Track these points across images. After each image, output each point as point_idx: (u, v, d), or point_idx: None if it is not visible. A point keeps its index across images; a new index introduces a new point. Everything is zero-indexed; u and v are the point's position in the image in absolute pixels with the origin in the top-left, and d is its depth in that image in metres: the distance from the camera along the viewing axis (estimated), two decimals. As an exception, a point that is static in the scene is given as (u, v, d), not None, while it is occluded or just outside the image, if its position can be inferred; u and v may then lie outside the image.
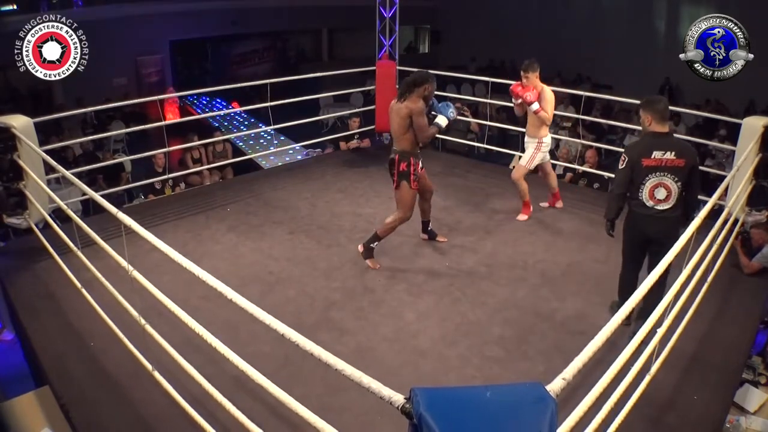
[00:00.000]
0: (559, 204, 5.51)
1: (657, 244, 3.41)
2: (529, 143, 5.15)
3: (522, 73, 4.94)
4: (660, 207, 3.33)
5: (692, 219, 2.99)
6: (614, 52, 14.08)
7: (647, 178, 3.31)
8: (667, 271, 2.50)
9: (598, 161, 7.55)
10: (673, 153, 3.26)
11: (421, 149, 4.24)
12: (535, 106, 4.90)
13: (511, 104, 5.38)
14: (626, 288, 3.55)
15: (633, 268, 3.57)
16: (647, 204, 3.35)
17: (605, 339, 1.85)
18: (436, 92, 4.29)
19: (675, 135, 3.48)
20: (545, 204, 5.52)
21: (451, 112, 4.27)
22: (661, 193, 3.31)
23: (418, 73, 4.14)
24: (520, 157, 7.75)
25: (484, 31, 16.37)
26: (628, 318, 3.22)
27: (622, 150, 3.62)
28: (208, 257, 4.49)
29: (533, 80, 4.93)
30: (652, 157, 3.27)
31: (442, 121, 4.22)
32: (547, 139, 5.12)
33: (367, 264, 4.35)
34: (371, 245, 4.36)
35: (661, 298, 2.49)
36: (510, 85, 5.19)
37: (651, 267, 3.38)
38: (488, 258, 4.54)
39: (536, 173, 5.50)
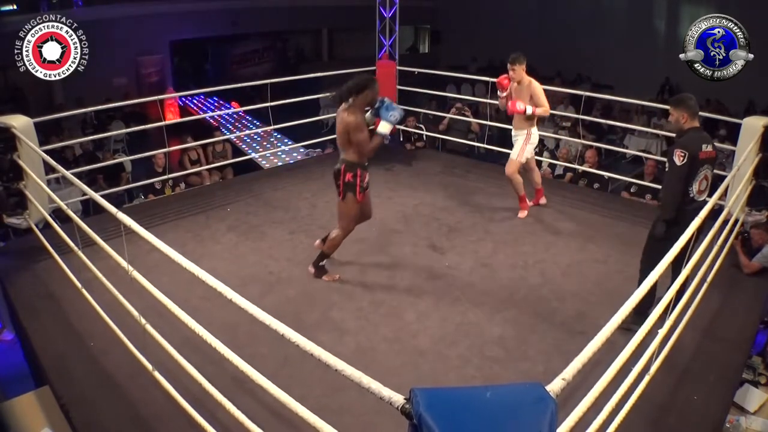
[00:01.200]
0: (543, 201, 5.50)
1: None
2: (518, 137, 5.13)
3: (509, 65, 4.95)
4: (701, 198, 3.44)
5: None
6: (614, 52, 14.07)
7: (699, 172, 3.40)
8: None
9: (598, 161, 7.54)
10: (710, 146, 3.43)
11: (368, 161, 3.96)
12: (529, 110, 4.89)
13: None
14: (653, 293, 3.32)
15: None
16: (696, 198, 3.42)
17: (605, 339, 1.85)
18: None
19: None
20: (530, 202, 5.47)
21: (392, 115, 3.84)
22: (703, 185, 3.46)
23: (358, 79, 3.80)
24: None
25: (484, 31, 16.35)
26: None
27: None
28: (208, 257, 4.49)
29: (519, 73, 4.93)
30: (703, 149, 3.39)
31: (384, 128, 3.85)
32: (535, 131, 5.09)
33: (324, 280, 4.15)
34: (321, 264, 4.16)
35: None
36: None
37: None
38: (488, 258, 4.53)
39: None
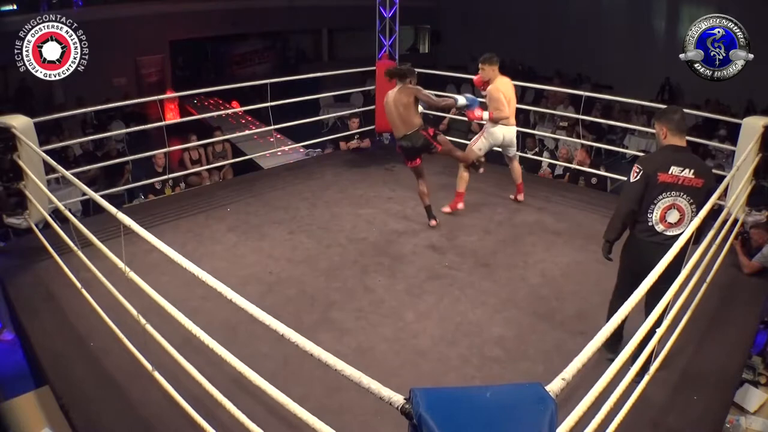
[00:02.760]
0: (520, 197, 5.61)
1: (663, 276, 2.82)
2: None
3: (480, 64, 5.13)
4: (670, 232, 2.93)
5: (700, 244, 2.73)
6: (614, 52, 14.07)
7: (660, 197, 2.92)
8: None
9: (589, 161, 7.61)
10: (692, 171, 2.88)
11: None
12: (486, 115, 5.07)
13: None
14: (615, 327, 3.21)
15: (621, 297, 2.75)
16: (656, 228, 2.96)
17: (605, 339, 1.85)
18: (436, 92, 4.40)
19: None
20: (512, 196, 5.65)
21: (472, 101, 4.93)
22: (673, 216, 2.93)
23: (407, 66, 4.94)
24: (520, 157, 7.81)
25: (484, 31, 16.35)
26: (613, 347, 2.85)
27: (634, 154, 3.18)
28: (208, 257, 4.49)
29: (488, 72, 5.10)
30: (670, 172, 2.89)
31: (461, 99, 4.91)
32: (499, 128, 5.15)
33: (481, 170, 5.17)
34: (476, 163, 5.11)
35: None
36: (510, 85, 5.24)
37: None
38: (488, 258, 4.53)
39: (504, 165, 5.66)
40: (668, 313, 2.77)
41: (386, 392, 1.56)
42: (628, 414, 2.45)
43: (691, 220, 2.88)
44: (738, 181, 4.23)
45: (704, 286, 3.47)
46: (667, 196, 2.92)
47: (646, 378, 2.69)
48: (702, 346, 3.42)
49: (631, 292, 2.59)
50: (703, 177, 2.91)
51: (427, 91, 4.80)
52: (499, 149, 5.40)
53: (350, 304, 3.90)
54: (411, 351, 3.42)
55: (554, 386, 1.56)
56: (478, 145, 5.24)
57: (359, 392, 1.69)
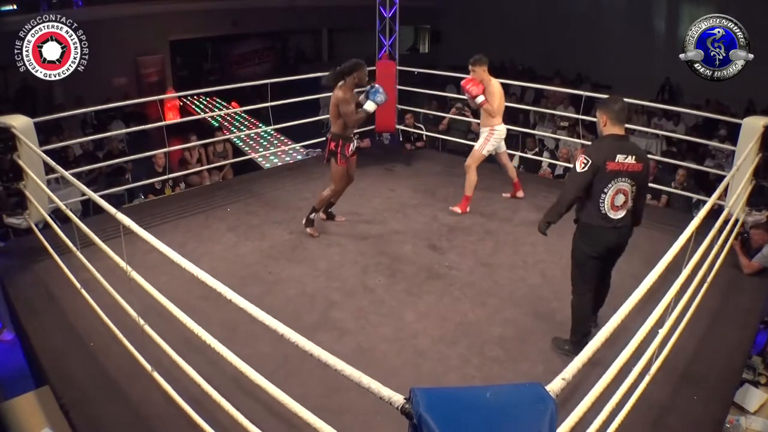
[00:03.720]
0: (520, 194, 5.67)
1: (615, 257, 3.32)
2: (482, 132, 5.31)
3: (470, 66, 5.14)
4: (618, 215, 3.13)
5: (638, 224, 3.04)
6: (614, 52, 14.07)
7: (610, 185, 3.08)
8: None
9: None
10: (634, 157, 3.08)
11: (355, 133, 4.76)
12: (480, 98, 5.08)
13: (511, 104, 5.42)
14: (589, 317, 3.35)
15: (591, 290, 3.31)
16: (609, 214, 3.12)
17: (605, 339, 1.85)
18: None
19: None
20: (507, 195, 5.69)
21: (378, 97, 4.56)
22: (619, 200, 3.11)
23: (349, 63, 4.49)
24: (520, 157, 7.82)
25: (484, 31, 16.35)
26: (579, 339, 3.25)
27: (582, 153, 3.15)
28: (208, 257, 4.49)
29: (480, 74, 5.11)
30: (617, 160, 3.05)
31: (369, 106, 4.57)
32: (501, 128, 5.24)
33: (307, 231, 4.82)
34: (310, 216, 4.85)
35: None
36: (510, 85, 5.24)
37: (604, 278, 3.43)
38: (488, 258, 4.53)
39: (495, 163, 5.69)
40: (670, 314, 2.77)
41: (386, 392, 1.56)
42: (628, 414, 2.45)
43: (632, 201, 3.14)
44: (738, 181, 4.23)
45: (704, 286, 3.47)
46: (615, 183, 3.09)
47: (647, 378, 2.69)
48: (702, 346, 3.42)
49: (593, 282, 3.26)
50: (642, 162, 3.13)
51: (351, 107, 4.47)
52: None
53: (350, 304, 3.90)
54: (411, 351, 3.42)
55: (554, 386, 1.56)
56: (487, 148, 5.27)
57: (359, 392, 1.69)
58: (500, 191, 5.80)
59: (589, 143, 7.52)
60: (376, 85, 4.68)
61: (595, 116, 3.34)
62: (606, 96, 3.30)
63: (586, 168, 3.07)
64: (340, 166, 4.65)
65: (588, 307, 3.34)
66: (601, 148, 3.14)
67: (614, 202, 3.11)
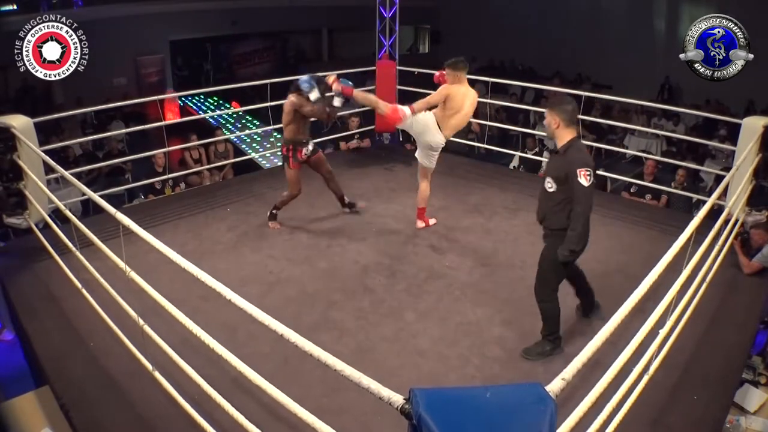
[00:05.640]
0: (420, 224, 5.06)
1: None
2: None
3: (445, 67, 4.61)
4: None
5: None
6: (614, 52, 14.07)
7: None
8: None
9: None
10: None
11: (307, 137, 4.89)
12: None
13: (511, 104, 5.36)
14: (559, 317, 3.34)
15: (557, 290, 3.34)
16: None
17: (605, 339, 1.85)
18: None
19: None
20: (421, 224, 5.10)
21: (348, 82, 4.64)
22: None
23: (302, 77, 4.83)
24: (520, 157, 7.82)
25: (484, 31, 16.35)
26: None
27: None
28: (208, 257, 4.49)
29: (450, 77, 4.55)
30: None
31: (336, 88, 4.63)
32: (440, 139, 4.77)
33: (269, 225, 5.02)
34: (273, 212, 5.05)
35: None
36: (510, 85, 5.20)
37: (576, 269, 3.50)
38: (488, 258, 4.53)
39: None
40: (671, 314, 2.77)
41: (386, 392, 1.56)
42: (628, 414, 2.45)
43: None
44: (738, 181, 4.23)
45: (704, 286, 3.47)
46: None
47: (647, 378, 2.69)
48: (702, 346, 3.42)
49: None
50: None
51: (310, 106, 4.71)
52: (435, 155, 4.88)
53: (350, 304, 3.90)
54: (411, 351, 3.42)
55: (554, 386, 1.56)
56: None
57: (359, 392, 1.69)
58: (500, 191, 5.80)
59: (589, 143, 7.54)
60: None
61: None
62: (559, 98, 3.21)
63: (592, 180, 3.09)
64: (292, 170, 4.86)
65: (558, 305, 3.33)
66: (585, 155, 3.16)
67: None
